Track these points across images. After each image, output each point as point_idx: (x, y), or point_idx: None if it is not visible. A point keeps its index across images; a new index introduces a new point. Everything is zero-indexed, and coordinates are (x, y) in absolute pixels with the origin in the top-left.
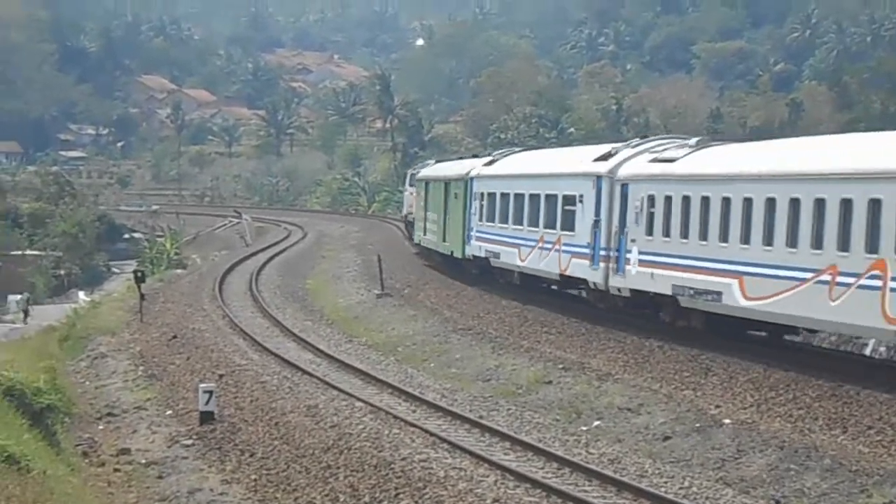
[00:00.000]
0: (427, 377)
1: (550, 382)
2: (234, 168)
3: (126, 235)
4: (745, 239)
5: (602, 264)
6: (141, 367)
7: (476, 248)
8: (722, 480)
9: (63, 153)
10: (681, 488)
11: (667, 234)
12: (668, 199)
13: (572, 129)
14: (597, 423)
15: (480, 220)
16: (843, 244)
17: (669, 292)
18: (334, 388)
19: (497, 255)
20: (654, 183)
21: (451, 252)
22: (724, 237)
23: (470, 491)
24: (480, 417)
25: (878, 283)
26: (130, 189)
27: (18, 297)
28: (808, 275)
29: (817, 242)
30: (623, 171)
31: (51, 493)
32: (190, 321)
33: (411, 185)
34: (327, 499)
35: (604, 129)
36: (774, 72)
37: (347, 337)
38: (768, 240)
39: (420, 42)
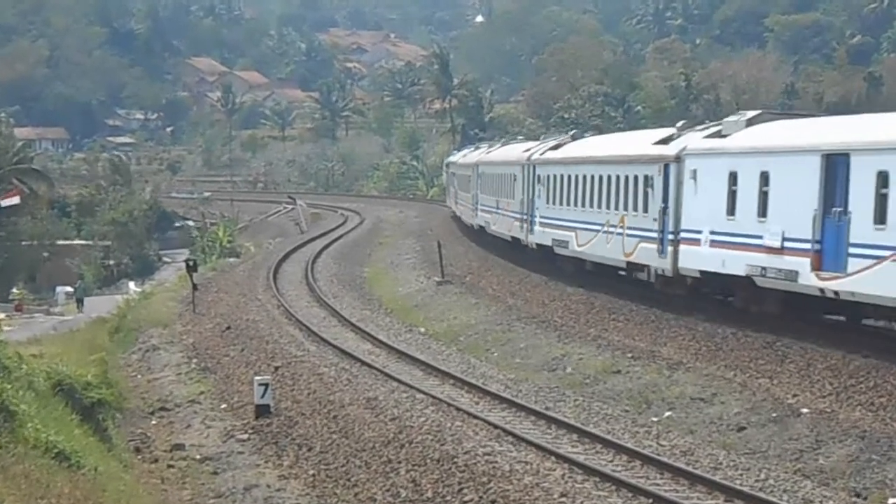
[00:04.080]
0: (490, 367)
1: (619, 372)
2: (288, 153)
3: (177, 223)
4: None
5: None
6: (194, 360)
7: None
8: (800, 472)
9: (111, 139)
10: (757, 481)
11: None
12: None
13: (640, 108)
14: (668, 413)
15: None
16: None
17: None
18: (394, 379)
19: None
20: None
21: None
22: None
23: (536, 485)
24: (546, 409)
25: None
26: (181, 175)
27: (67, 288)
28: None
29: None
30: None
31: (102, 491)
32: (244, 311)
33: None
34: (388, 494)
35: (673, 108)
36: (851, 45)
37: (407, 326)
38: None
39: (479, 19)
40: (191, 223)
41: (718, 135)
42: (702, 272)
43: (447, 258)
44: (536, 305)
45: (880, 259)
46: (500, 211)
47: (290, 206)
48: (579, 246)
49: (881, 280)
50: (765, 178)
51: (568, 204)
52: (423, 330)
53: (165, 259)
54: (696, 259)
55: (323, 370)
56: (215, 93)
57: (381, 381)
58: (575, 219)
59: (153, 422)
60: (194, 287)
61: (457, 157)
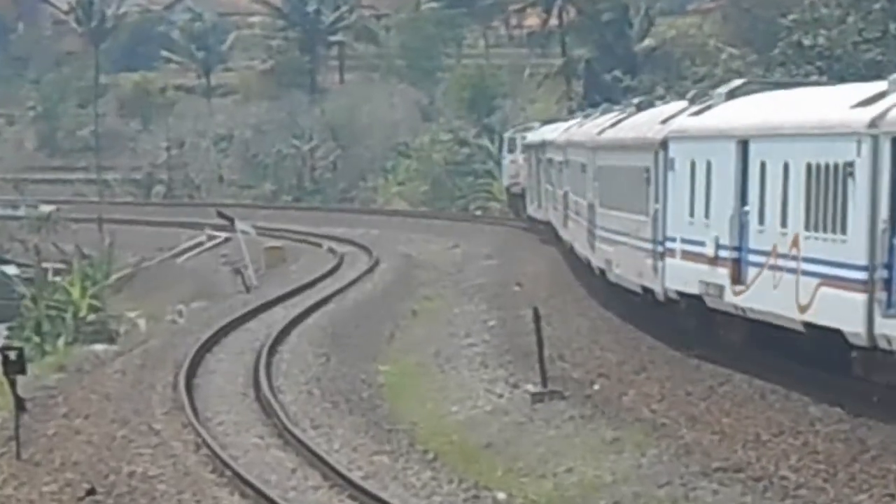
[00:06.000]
0: None
1: None
2: (219, 121)
3: None
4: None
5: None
6: None
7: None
8: None
9: None
10: None
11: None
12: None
13: None
14: None
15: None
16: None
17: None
18: None
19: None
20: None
21: None
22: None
23: None
24: None
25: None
26: None
27: None
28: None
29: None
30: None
31: None
32: (124, 457)
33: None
34: None
35: None
36: None
37: (469, 489)
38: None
39: None
40: (13, 270)
41: (702, 111)
42: (678, 293)
43: (554, 342)
44: (744, 444)
45: (761, 266)
46: (578, 218)
47: (221, 235)
48: (616, 267)
49: (761, 292)
50: (709, 170)
51: (610, 207)
52: (502, 497)
53: None
54: (674, 275)
55: None
56: None
57: None
58: (612, 227)
59: None
60: (20, 405)
61: (557, 131)
